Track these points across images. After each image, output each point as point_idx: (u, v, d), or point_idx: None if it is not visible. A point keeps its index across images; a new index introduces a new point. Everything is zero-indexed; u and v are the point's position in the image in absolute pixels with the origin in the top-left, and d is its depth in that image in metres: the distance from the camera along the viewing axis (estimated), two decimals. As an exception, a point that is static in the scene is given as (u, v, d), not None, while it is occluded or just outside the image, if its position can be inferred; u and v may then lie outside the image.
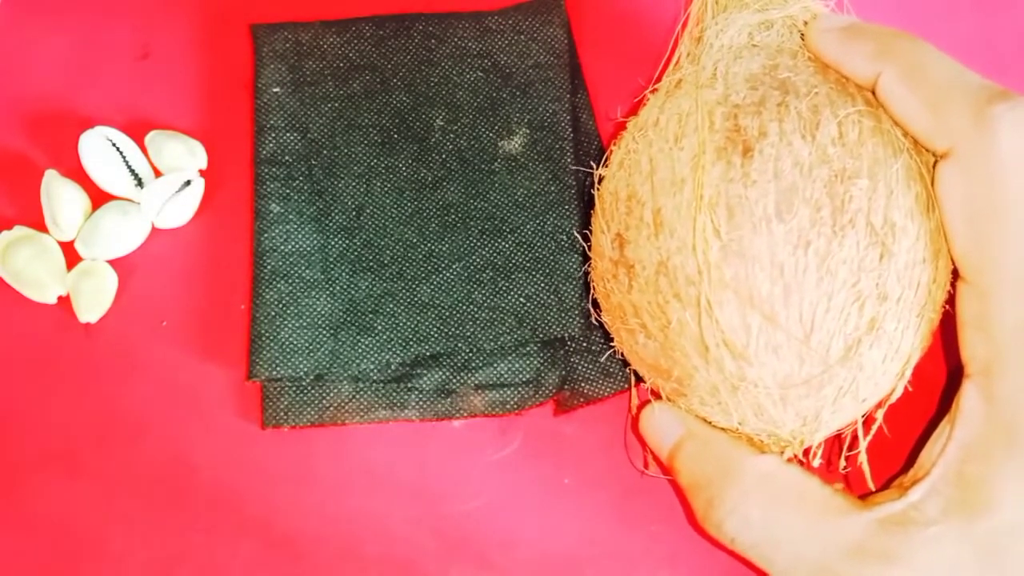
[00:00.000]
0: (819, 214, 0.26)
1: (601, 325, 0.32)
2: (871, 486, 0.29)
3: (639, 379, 0.33)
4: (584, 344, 0.34)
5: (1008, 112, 0.25)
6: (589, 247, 0.32)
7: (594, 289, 0.31)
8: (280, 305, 0.33)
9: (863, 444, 0.28)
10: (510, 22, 0.37)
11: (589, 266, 0.32)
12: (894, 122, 0.28)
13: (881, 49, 0.28)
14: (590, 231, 0.31)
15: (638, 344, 0.29)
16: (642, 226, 0.28)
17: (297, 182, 0.35)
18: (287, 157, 0.35)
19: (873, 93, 0.28)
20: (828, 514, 0.27)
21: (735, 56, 0.29)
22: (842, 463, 0.29)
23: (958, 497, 0.26)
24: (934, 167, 0.27)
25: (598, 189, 0.31)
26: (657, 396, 0.31)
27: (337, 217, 0.35)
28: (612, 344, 0.31)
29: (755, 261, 0.26)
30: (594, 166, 0.33)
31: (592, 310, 0.32)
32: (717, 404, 0.28)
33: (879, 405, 0.28)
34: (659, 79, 0.32)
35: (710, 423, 0.29)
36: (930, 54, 0.27)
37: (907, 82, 0.27)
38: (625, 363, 0.33)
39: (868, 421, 0.29)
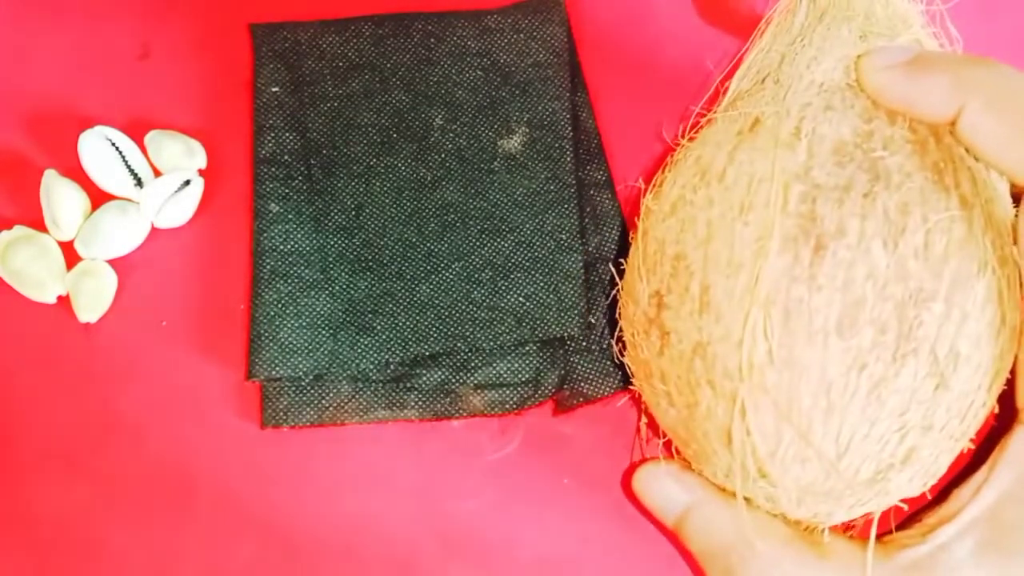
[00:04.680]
0: (883, 337, 0.23)
1: (605, 326, 0.31)
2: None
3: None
4: (584, 344, 0.33)
5: None
6: (621, 276, 0.29)
7: (620, 327, 0.29)
8: (279, 305, 0.33)
9: (873, 531, 0.26)
10: (509, 21, 0.37)
11: (618, 292, 0.30)
12: (978, 159, 0.25)
13: (959, 81, 0.25)
14: (624, 261, 0.29)
15: (660, 407, 0.27)
16: (687, 297, 0.25)
17: (296, 182, 0.35)
18: (286, 157, 0.35)
19: (951, 130, 0.25)
20: (852, 570, 0.26)
21: (826, 105, 0.26)
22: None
23: (991, 540, 0.25)
24: (1018, 203, 0.25)
25: (641, 220, 0.28)
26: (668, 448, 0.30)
27: (336, 217, 0.35)
28: (615, 341, 0.30)
29: (803, 374, 0.24)
30: (611, 174, 0.30)
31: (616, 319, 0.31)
32: (729, 482, 0.26)
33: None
34: (728, 79, 0.29)
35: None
36: (1016, 79, 0.25)
37: (994, 113, 0.24)
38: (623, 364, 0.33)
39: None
